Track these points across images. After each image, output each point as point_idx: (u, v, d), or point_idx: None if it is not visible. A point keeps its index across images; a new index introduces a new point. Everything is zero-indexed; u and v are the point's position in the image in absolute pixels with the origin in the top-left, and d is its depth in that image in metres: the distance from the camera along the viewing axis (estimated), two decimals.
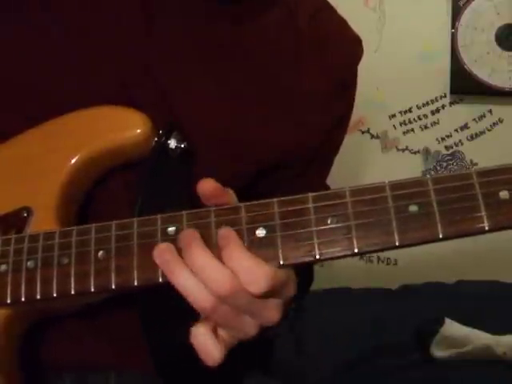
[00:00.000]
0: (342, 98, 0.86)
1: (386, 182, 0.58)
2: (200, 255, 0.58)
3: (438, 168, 2.29)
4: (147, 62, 0.76)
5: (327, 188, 0.94)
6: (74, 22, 0.76)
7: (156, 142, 0.72)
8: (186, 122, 0.75)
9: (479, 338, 1.71)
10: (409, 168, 2.28)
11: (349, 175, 2.25)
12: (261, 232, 0.59)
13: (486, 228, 0.55)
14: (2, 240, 0.68)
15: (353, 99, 0.88)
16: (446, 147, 2.28)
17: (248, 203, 0.60)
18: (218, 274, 0.57)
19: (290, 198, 0.60)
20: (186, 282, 0.58)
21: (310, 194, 0.59)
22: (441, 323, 1.76)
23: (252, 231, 0.59)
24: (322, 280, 1.26)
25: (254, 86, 0.79)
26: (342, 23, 0.87)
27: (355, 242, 0.57)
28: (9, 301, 0.65)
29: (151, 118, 0.72)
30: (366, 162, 2.29)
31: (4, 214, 0.72)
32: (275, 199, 0.60)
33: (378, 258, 2.27)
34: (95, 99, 0.73)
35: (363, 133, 2.29)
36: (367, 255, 2.25)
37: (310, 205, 0.59)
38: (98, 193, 0.75)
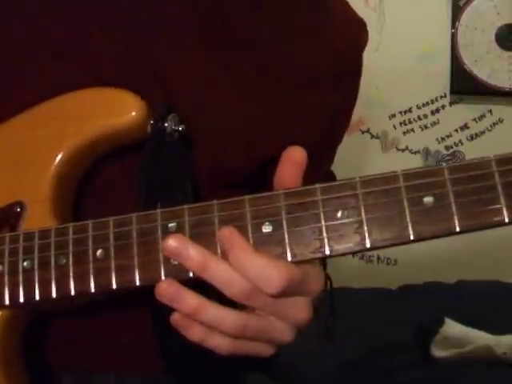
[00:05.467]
0: (346, 83, 0.84)
1: (399, 172, 0.54)
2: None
3: None
4: (147, 43, 0.72)
5: (332, 175, 0.91)
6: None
7: (152, 125, 0.67)
8: (186, 105, 0.71)
9: (479, 338, 1.71)
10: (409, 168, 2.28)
11: (349, 175, 2.24)
12: (267, 228, 0.56)
13: (506, 220, 0.51)
14: None
15: (357, 88, 0.86)
16: (446, 147, 2.28)
17: (252, 196, 0.57)
18: (231, 279, 0.56)
19: (297, 189, 0.56)
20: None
21: (318, 186, 0.55)
22: (441, 323, 1.76)
23: (258, 227, 0.56)
24: None
25: (261, 73, 0.76)
26: (345, 4, 0.83)
27: (367, 237, 0.54)
28: (7, 302, 0.63)
29: (148, 101, 0.67)
30: (366, 161, 2.29)
31: None
32: (281, 191, 0.56)
33: (378, 258, 2.26)
34: (89, 82, 0.69)
35: (363, 133, 2.29)
36: (367, 255, 2.25)
37: (319, 197, 0.55)
38: (95, 181, 0.71)
